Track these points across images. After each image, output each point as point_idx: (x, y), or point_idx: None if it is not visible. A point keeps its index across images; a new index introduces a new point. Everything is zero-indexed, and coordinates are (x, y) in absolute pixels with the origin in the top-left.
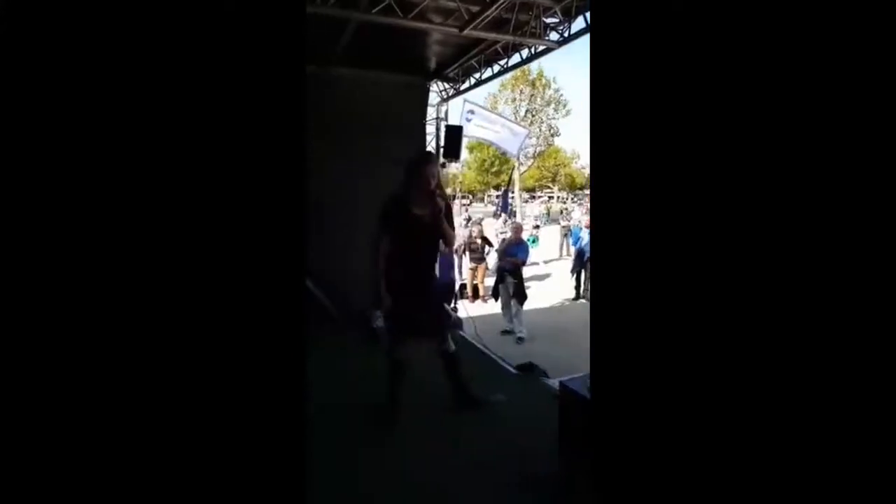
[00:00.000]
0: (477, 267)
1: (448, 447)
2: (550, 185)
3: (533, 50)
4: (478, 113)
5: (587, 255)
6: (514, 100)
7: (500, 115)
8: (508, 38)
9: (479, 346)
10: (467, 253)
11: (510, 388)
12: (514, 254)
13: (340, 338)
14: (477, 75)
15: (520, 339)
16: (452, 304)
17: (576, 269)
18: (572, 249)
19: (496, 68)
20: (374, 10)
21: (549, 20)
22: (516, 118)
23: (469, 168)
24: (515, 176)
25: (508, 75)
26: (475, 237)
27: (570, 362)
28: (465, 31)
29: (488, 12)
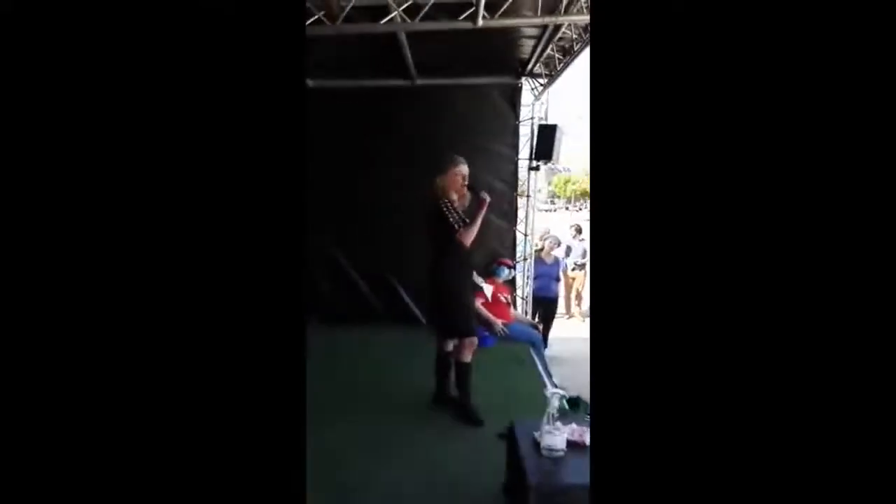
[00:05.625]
0: None
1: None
2: None
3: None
4: None
5: None
6: None
7: None
8: (538, 20)
9: (539, 368)
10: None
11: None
12: None
13: None
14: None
15: None
16: (537, 320)
17: None
18: None
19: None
20: (383, 21)
21: None
22: None
23: None
24: None
25: None
26: None
27: None
28: (480, 24)
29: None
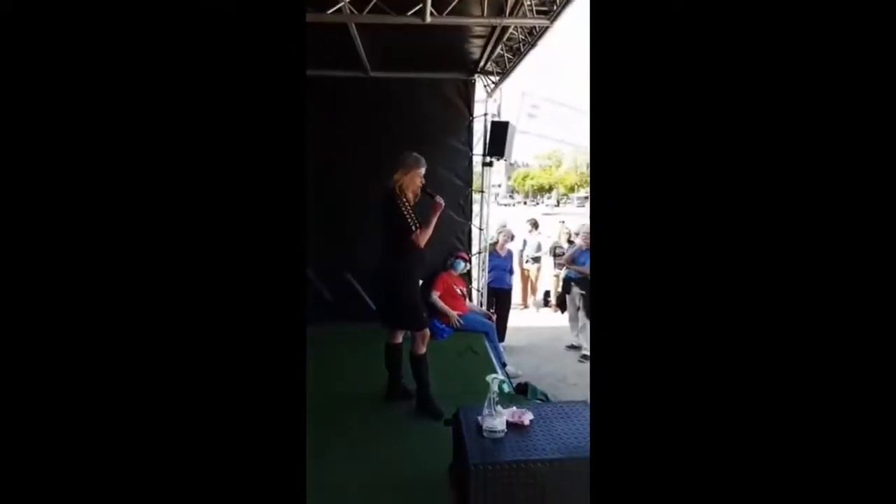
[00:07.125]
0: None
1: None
2: None
3: (535, 30)
4: (543, 107)
5: None
6: None
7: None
8: (485, 20)
9: (493, 358)
10: (553, 258)
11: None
12: (583, 262)
13: None
14: (511, 66)
15: (584, 357)
16: (490, 311)
17: None
18: None
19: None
20: (330, 11)
21: None
22: None
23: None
24: None
25: None
26: (561, 241)
27: None
28: (429, 21)
29: None
